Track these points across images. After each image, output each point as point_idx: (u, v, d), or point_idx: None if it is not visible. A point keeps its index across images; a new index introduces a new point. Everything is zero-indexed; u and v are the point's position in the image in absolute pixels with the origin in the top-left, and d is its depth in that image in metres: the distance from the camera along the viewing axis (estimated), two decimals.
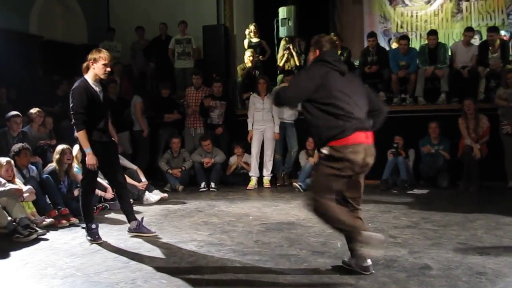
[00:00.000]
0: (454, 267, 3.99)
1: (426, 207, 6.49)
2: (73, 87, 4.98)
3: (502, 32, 10.06)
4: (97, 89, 5.05)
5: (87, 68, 5.04)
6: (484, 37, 9.66)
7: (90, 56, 5.00)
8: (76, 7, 11.81)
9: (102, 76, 5.04)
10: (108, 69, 5.05)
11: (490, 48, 8.86)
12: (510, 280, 3.71)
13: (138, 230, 5.30)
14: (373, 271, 3.84)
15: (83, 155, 5.02)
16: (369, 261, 3.86)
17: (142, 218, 5.44)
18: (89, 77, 5.01)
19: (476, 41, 9.82)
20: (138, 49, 11.41)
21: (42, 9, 10.77)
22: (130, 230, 5.34)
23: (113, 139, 5.33)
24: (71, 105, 4.95)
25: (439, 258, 4.24)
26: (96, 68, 4.98)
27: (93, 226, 5.19)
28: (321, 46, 4.01)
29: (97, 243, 5.04)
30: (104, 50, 5.12)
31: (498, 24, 12.14)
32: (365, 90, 4.01)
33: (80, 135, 4.93)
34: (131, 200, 5.62)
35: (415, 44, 11.98)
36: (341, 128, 3.67)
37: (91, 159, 4.94)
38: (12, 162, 5.99)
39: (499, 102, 7.97)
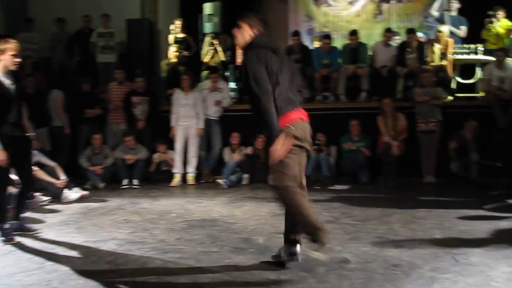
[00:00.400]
0: (371, 260, 4.12)
1: (346, 202, 6.66)
2: None
3: (419, 34, 10.46)
4: (6, 81, 4.84)
5: None
6: (403, 38, 10.01)
7: None
8: None
9: (12, 67, 4.86)
10: (18, 59, 4.88)
11: (408, 49, 9.22)
12: (423, 271, 3.86)
13: (20, 229, 5.15)
14: (299, 260, 3.91)
15: None
16: (298, 248, 3.91)
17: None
18: None
19: (395, 41, 10.16)
20: (59, 42, 10.98)
21: None
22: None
23: (26, 134, 5.11)
24: None
25: (357, 252, 4.36)
26: (4, 59, 4.81)
27: (6, 225, 4.97)
28: (256, 27, 3.88)
29: (11, 244, 4.81)
30: (12, 40, 4.92)
31: (416, 26, 12.64)
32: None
33: None
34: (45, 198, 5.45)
35: (338, 43, 12.26)
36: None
37: (0, 155, 4.74)
38: None
39: (419, 98, 8.28)
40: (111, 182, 8.51)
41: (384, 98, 8.37)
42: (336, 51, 9.61)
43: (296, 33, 9.95)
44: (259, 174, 8.35)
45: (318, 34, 12.42)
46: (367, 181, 8.17)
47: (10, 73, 4.89)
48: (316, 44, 11.00)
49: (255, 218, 5.79)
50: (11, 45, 4.82)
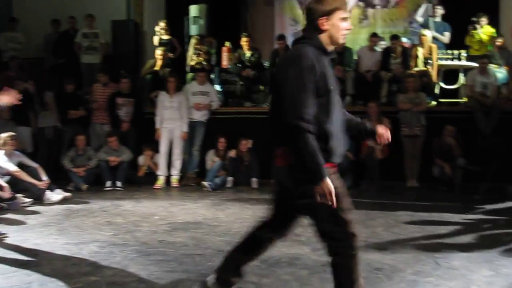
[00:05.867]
0: None
1: None
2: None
3: (404, 39, 10.53)
4: None
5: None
6: (388, 43, 10.07)
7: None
8: None
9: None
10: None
11: (392, 54, 9.27)
12: (405, 275, 3.89)
13: None
14: None
15: None
16: None
17: None
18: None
19: (380, 46, 10.21)
20: (51, 43, 10.85)
21: None
22: None
23: None
24: None
25: None
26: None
27: None
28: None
29: None
30: None
31: (401, 31, 12.75)
32: None
33: None
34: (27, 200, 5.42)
35: None
36: None
37: None
38: None
39: (403, 106, 8.34)
40: (94, 184, 8.43)
41: (370, 102, 8.41)
42: None
43: (281, 37, 9.96)
44: (243, 177, 8.36)
45: None
46: (350, 185, 8.13)
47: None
48: None
49: (239, 221, 5.78)
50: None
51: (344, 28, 2.85)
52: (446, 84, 9.72)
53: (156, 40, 10.23)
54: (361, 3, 13.51)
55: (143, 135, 8.96)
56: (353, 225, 2.86)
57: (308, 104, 2.66)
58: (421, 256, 4.36)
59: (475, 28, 9.52)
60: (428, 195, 7.56)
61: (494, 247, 4.68)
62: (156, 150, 8.68)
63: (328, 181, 2.62)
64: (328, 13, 2.79)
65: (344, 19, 2.83)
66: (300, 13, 13.74)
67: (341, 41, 2.88)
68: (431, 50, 9.23)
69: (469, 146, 7.93)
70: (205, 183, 8.12)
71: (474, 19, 9.62)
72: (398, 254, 4.41)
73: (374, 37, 9.83)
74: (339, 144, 2.84)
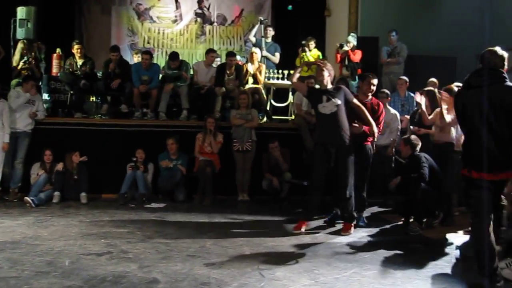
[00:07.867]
0: (181, 279, 4.12)
1: (161, 220, 6.60)
2: None
3: (238, 57, 10.87)
4: None
5: None
6: (224, 60, 10.28)
7: None
8: None
9: None
10: None
11: (227, 71, 9.49)
12: None
13: None
14: None
15: None
16: None
17: None
18: None
19: (216, 63, 10.40)
20: None
21: None
22: None
23: None
24: None
25: (168, 271, 4.34)
26: None
27: None
28: None
29: None
30: None
31: (236, 49, 13.19)
32: None
33: None
34: None
35: (161, 60, 12.28)
36: None
37: None
38: None
39: (235, 121, 8.54)
40: None
41: (209, 116, 8.49)
42: (156, 68, 9.53)
43: (114, 48, 9.61)
44: (71, 192, 7.94)
45: (141, 49, 12.30)
46: (183, 199, 8.17)
47: None
48: (136, 59, 10.86)
49: (63, 239, 5.46)
50: None
51: None
52: (277, 102, 10.20)
53: None
54: (199, 19, 13.77)
55: None
56: None
57: None
58: (247, 269, 4.48)
59: (304, 51, 10.15)
60: (257, 208, 7.77)
61: (313, 257, 4.98)
62: None
63: None
64: None
65: None
66: (138, 25, 13.59)
67: None
68: (260, 68, 9.67)
69: (296, 161, 8.37)
70: (28, 199, 7.53)
71: (303, 42, 10.25)
72: (225, 268, 4.49)
73: (211, 53, 9.95)
74: None
